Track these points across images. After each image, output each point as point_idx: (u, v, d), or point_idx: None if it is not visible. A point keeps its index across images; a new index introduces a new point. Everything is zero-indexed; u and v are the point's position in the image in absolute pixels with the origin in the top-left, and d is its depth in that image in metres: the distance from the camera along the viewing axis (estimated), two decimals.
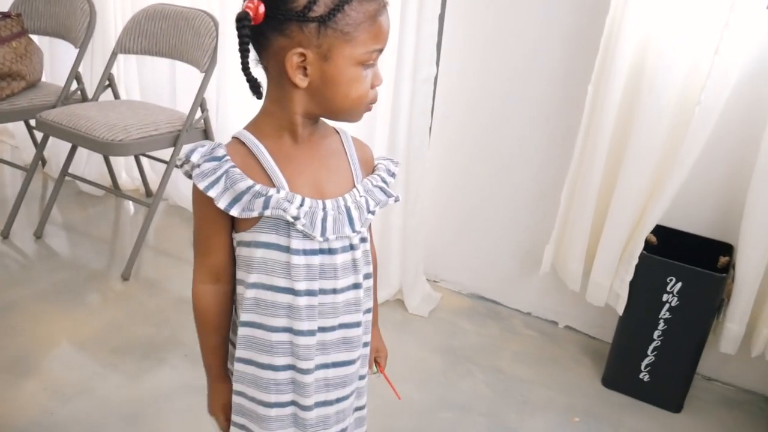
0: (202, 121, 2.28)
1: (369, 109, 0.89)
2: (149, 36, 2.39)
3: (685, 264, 1.62)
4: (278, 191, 0.84)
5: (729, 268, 1.67)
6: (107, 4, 2.54)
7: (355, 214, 0.89)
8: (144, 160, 2.73)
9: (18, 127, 3.00)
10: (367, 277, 0.95)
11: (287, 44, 0.80)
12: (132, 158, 2.74)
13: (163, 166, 2.36)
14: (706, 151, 1.60)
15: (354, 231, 0.89)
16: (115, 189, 2.74)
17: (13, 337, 1.82)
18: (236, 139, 0.88)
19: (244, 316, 0.91)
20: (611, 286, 1.79)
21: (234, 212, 0.83)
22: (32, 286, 2.08)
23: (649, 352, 1.73)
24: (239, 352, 0.92)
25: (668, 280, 1.64)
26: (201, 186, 0.83)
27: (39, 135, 2.52)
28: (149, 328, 1.92)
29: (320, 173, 0.89)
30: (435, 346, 1.95)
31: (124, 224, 2.68)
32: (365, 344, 0.99)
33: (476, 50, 1.99)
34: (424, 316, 2.09)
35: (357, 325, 0.94)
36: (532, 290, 2.12)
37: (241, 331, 0.91)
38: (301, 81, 0.82)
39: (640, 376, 1.76)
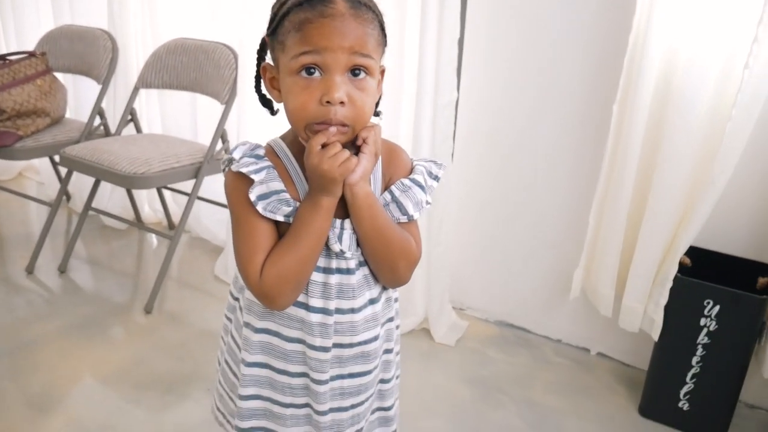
0: (224, 152, 2.28)
1: (323, 133, 0.79)
2: (170, 70, 2.41)
3: (722, 286, 1.56)
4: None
5: None
6: (129, 40, 2.57)
7: None
8: (166, 193, 2.74)
9: (43, 163, 3.04)
10: (384, 289, 0.95)
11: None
12: (154, 191, 2.75)
13: (185, 199, 2.35)
14: (740, 168, 1.55)
15: None
16: (138, 222, 2.74)
17: (36, 372, 1.81)
18: (269, 146, 0.90)
19: (260, 324, 0.91)
20: (645, 310, 1.73)
21: (258, 207, 0.83)
22: (56, 321, 2.07)
23: (687, 379, 1.65)
24: (254, 357, 0.93)
25: (705, 303, 1.58)
26: (244, 170, 0.83)
27: (63, 170, 2.54)
28: (172, 362, 1.89)
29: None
30: (464, 376, 1.89)
31: (147, 257, 2.67)
32: (387, 351, 0.99)
33: (496, 73, 1.97)
34: (451, 346, 2.04)
35: (375, 339, 0.94)
36: (562, 317, 2.05)
37: (257, 336, 0.92)
38: (277, 96, 0.86)
39: (679, 404, 1.68)
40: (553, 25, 1.84)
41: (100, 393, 1.75)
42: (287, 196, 0.85)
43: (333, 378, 0.93)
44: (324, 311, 0.88)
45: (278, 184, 0.85)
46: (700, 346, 1.62)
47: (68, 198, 2.95)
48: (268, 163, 0.86)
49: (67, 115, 2.64)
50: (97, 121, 2.55)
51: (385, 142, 0.93)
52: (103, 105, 2.56)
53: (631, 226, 1.74)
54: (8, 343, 1.94)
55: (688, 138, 1.58)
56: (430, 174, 0.94)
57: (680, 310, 1.63)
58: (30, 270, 2.38)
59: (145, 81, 2.45)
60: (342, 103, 0.78)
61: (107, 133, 2.56)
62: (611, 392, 1.85)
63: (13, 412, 1.65)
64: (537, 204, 2.01)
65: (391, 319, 0.98)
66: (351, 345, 0.92)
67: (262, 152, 0.87)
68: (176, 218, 2.74)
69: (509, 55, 1.93)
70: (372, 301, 0.92)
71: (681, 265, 1.64)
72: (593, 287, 1.86)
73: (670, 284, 1.62)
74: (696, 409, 1.67)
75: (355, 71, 0.80)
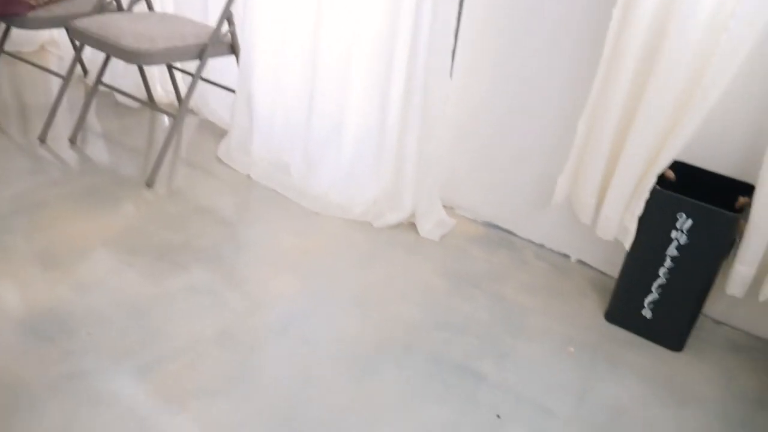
0: (229, 35, 2.29)
1: None
2: None
3: (699, 201, 1.57)
4: None
5: (746, 208, 1.60)
6: None
7: None
8: (178, 75, 2.77)
9: (63, 37, 3.08)
10: None
11: None
12: (166, 72, 2.79)
13: None
14: (735, 84, 1.52)
15: None
16: (149, 102, 2.80)
17: (42, 231, 1.93)
18: None
19: None
20: (621, 220, 1.75)
21: None
22: (64, 187, 2.18)
23: (653, 288, 1.70)
24: None
25: (678, 216, 1.59)
26: None
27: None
28: (167, 233, 1.99)
29: None
30: (442, 270, 1.97)
31: (157, 136, 2.74)
32: None
33: None
34: (435, 241, 2.10)
35: None
36: (546, 222, 2.09)
37: None
38: None
39: (643, 312, 1.73)
40: None
41: (97, 255, 1.87)
42: None
43: None
44: None
45: None
46: (668, 258, 1.65)
47: (86, 73, 3.01)
48: None
49: None
50: None
51: None
52: None
53: (618, 137, 1.73)
54: (20, 203, 2.05)
55: (686, 48, 1.54)
56: None
57: (654, 221, 1.65)
58: (42, 139, 2.47)
59: None
60: None
61: (119, 9, 2.58)
62: (582, 296, 1.91)
63: (21, 262, 1.78)
64: (530, 108, 2.00)
65: None
66: None
67: None
68: None
69: None
70: None
71: (665, 178, 1.65)
72: (577, 195, 1.89)
73: (646, 196, 1.64)
74: (658, 317, 1.72)
75: None
